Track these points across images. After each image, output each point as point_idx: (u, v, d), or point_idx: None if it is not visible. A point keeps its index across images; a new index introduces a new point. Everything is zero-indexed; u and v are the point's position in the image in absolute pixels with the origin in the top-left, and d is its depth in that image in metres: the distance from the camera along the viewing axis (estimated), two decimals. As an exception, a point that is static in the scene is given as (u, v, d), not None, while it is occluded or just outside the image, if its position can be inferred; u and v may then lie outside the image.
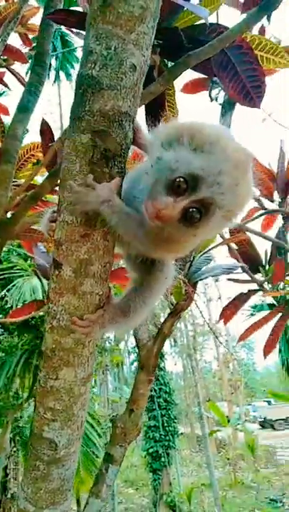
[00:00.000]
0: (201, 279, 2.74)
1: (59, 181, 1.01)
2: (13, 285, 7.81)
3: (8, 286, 7.84)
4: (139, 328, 2.61)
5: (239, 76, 2.50)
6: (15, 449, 10.58)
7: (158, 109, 2.98)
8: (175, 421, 12.52)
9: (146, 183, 0.94)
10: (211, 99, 2.89)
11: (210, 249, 2.83)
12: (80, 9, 2.04)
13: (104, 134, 0.93)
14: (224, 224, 0.88)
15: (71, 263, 1.01)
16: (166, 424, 12.26)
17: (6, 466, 10.51)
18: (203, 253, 2.80)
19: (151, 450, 12.08)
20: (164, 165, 0.85)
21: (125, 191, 1.04)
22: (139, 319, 1.15)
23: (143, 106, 2.84)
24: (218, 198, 0.79)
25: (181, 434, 15.22)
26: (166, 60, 2.63)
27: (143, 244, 1.01)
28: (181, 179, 0.81)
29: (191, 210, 0.81)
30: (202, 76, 2.74)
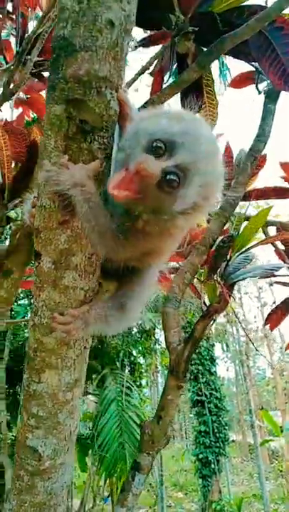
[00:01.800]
0: (238, 281, 2.53)
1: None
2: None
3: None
4: (169, 330, 2.47)
5: (280, 59, 2.28)
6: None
7: (194, 98, 2.81)
8: (226, 428, 12.08)
9: (117, 159, 0.82)
10: (259, 92, 2.68)
11: (250, 248, 2.61)
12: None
13: (80, 103, 0.81)
14: (203, 205, 0.82)
15: (50, 253, 0.90)
16: (216, 431, 11.88)
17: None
18: (242, 252, 2.59)
19: (201, 456, 11.77)
20: (142, 131, 0.81)
21: None
22: (132, 316, 1.04)
23: (178, 95, 2.70)
24: (195, 164, 0.77)
25: (233, 441, 14.68)
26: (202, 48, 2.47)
27: (112, 246, 0.87)
28: (160, 142, 0.78)
29: (169, 173, 0.77)
30: (250, 69, 2.55)
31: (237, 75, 2.89)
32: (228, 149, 2.81)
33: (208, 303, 2.50)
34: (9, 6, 2.79)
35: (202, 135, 0.80)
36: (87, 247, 0.91)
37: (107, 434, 7.22)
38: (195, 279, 2.58)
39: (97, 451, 7.17)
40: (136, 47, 3.27)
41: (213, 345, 14.27)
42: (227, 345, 16.85)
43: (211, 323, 2.62)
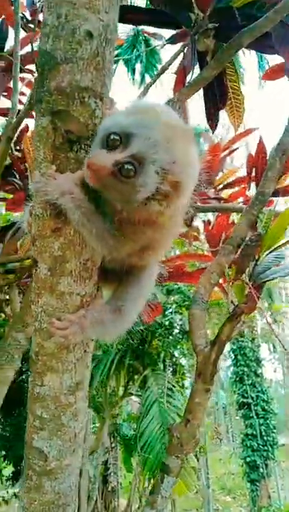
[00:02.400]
0: (267, 280, 2.46)
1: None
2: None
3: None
4: (195, 332, 2.44)
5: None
6: (113, 444, 11.00)
7: (217, 95, 2.77)
8: (274, 431, 11.74)
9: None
10: (292, 84, 2.61)
11: (279, 247, 2.53)
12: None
13: (64, 114, 0.83)
14: (174, 192, 0.82)
15: (46, 260, 0.93)
16: (264, 434, 11.57)
17: (107, 460, 10.98)
18: (272, 251, 2.51)
19: (248, 459, 11.52)
20: (102, 128, 0.85)
21: None
22: (129, 319, 1.05)
23: (201, 92, 2.67)
24: (150, 152, 0.79)
25: (282, 445, 14.20)
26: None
27: (111, 244, 0.89)
28: (114, 135, 0.81)
29: (124, 164, 0.79)
30: (282, 61, 2.49)
31: (270, 67, 2.82)
32: (260, 145, 2.74)
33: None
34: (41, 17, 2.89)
35: (158, 123, 0.81)
36: (81, 254, 0.93)
37: (150, 436, 7.25)
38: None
39: (140, 452, 7.22)
40: (164, 44, 3.28)
41: (259, 346, 13.89)
42: (274, 346, 16.36)
43: (239, 324, 2.57)
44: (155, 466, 6.90)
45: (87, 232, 0.88)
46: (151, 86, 2.81)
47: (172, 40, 2.60)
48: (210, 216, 3.83)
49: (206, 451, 11.56)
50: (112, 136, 0.80)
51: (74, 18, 0.79)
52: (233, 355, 12.65)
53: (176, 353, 9.57)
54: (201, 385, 2.41)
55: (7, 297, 3.51)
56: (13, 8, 2.87)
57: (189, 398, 2.47)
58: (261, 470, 11.21)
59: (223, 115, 2.68)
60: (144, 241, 0.94)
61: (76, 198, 0.85)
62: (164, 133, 0.80)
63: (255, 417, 11.72)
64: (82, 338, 0.98)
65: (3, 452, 8.66)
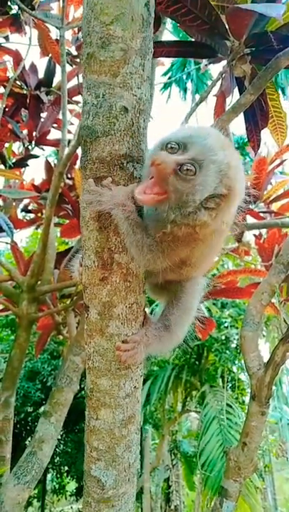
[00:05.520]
0: None
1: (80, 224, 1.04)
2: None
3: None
4: (248, 354, 2.43)
5: None
6: (174, 461, 10.89)
7: (258, 116, 2.80)
8: None
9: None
10: None
11: None
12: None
13: (106, 179, 0.94)
14: (226, 197, 0.89)
15: (96, 306, 1.03)
16: None
17: (168, 478, 10.88)
18: None
19: None
20: (156, 144, 0.95)
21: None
22: (182, 332, 1.15)
23: (241, 116, 2.71)
24: (208, 154, 0.87)
25: None
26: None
27: (150, 257, 0.97)
28: (172, 144, 0.90)
29: (184, 163, 0.87)
30: None
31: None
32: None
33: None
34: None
35: (212, 134, 0.91)
36: (126, 298, 1.02)
37: (210, 454, 7.11)
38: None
39: (201, 470, 7.10)
40: (206, 65, 3.37)
41: None
42: None
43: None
44: (217, 484, 6.75)
45: (130, 242, 0.97)
46: (193, 112, 2.89)
47: (214, 61, 2.67)
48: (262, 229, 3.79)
49: (272, 471, 11.09)
50: (169, 145, 0.90)
51: (110, 96, 0.90)
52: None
53: (234, 368, 9.34)
54: (256, 407, 2.39)
55: (63, 320, 3.69)
56: (59, 46, 3.11)
57: (245, 421, 2.46)
58: None
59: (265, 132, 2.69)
60: (182, 256, 1.01)
61: (128, 210, 0.93)
62: (218, 141, 0.90)
63: None
64: (144, 357, 1.07)
65: (66, 468, 8.92)
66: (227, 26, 2.27)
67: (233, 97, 2.62)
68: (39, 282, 3.19)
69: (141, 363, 1.11)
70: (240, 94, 2.49)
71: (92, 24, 0.88)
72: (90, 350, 1.07)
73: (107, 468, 1.11)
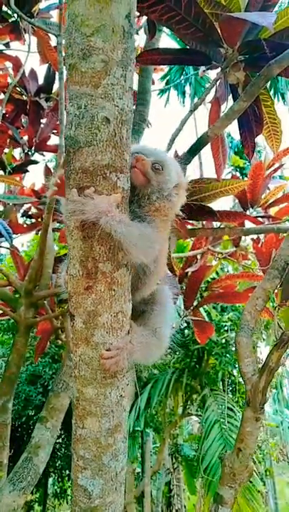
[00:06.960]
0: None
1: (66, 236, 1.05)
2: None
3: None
4: (243, 360, 2.42)
5: None
6: (175, 465, 10.83)
7: (252, 122, 2.81)
8: None
9: None
10: None
11: None
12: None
13: (89, 188, 0.94)
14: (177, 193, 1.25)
15: (81, 315, 1.04)
16: None
17: (170, 481, 10.83)
18: None
19: None
20: (133, 151, 1.16)
21: None
22: (167, 335, 1.26)
23: (235, 123, 2.71)
24: (166, 159, 1.25)
25: None
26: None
27: (148, 245, 1.07)
28: (145, 152, 1.21)
29: (154, 164, 1.19)
30: None
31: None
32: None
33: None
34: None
35: (162, 151, 1.31)
36: (111, 307, 1.02)
37: (212, 458, 7.07)
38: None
39: (203, 474, 7.06)
40: (203, 71, 3.37)
41: None
42: None
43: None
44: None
45: (135, 239, 1.01)
46: (187, 119, 2.90)
47: (209, 67, 2.68)
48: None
49: (273, 474, 11.02)
50: (142, 152, 1.19)
51: (92, 107, 0.91)
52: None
53: (234, 372, 9.30)
54: (250, 413, 2.38)
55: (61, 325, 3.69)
56: (57, 53, 3.13)
57: (240, 427, 2.44)
58: None
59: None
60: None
61: (116, 215, 0.95)
62: (167, 154, 1.35)
63: None
64: (129, 364, 1.09)
65: (68, 472, 8.89)
66: (221, 34, 2.27)
67: (228, 104, 2.63)
68: (37, 287, 3.20)
69: (127, 372, 1.11)
70: (235, 100, 2.50)
71: (74, 36, 0.89)
72: (76, 358, 1.07)
73: (93, 477, 1.11)
